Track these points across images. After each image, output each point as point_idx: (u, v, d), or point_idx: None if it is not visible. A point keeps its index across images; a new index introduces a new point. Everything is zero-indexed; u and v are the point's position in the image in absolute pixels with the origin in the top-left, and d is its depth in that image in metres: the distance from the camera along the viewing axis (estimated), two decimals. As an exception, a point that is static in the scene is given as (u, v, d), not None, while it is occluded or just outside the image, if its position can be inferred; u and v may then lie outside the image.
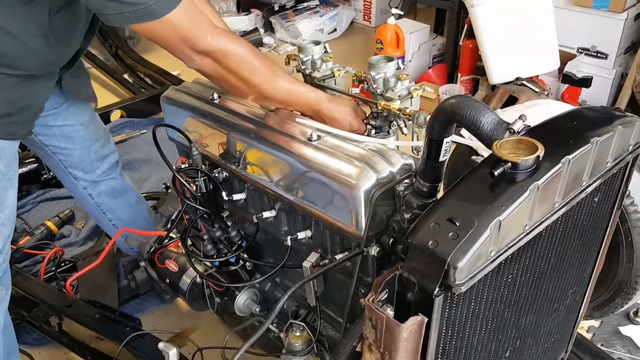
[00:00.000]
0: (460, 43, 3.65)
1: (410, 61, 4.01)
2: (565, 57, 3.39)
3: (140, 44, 4.65)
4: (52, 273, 2.34)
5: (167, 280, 1.94)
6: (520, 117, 1.02)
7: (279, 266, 1.51)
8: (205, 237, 1.62)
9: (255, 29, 4.91)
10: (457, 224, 0.82)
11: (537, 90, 3.05)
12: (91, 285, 2.18)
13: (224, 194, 1.58)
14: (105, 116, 3.47)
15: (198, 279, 1.81)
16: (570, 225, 1.12)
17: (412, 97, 1.51)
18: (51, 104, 1.78)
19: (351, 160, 1.27)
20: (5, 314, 1.67)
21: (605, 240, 1.33)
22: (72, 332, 2.01)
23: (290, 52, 4.75)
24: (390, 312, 0.84)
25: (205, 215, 1.61)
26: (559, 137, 1.00)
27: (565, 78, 3.40)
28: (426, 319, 0.83)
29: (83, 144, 1.95)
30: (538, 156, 0.89)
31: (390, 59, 1.60)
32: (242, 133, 1.51)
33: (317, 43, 1.79)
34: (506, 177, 0.88)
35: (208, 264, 1.73)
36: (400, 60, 1.63)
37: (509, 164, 0.88)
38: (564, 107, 1.98)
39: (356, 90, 1.70)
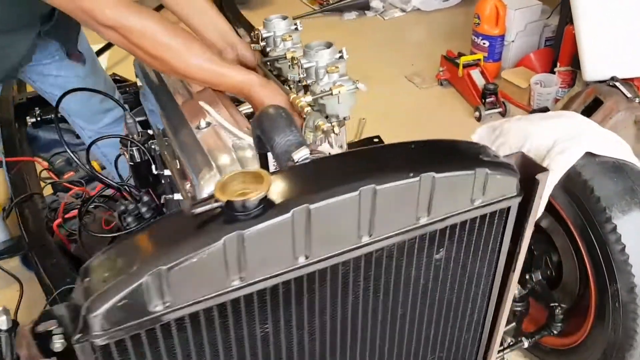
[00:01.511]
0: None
1: (512, 41, 3.55)
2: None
3: None
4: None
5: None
6: (309, 145, 0.84)
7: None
8: (116, 210, 1.61)
9: (364, -9, 4.69)
10: (119, 265, 0.69)
11: (629, 95, 2.53)
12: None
13: (153, 167, 1.55)
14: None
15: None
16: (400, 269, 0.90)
17: (331, 94, 1.32)
18: (43, 55, 1.87)
19: (212, 159, 1.15)
20: None
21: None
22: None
23: (398, 17, 4.56)
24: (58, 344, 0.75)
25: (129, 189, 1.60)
26: (354, 172, 0.80)
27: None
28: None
29: (80, 96, 2.04)
30: (265, 197, 0.72)
31: (329, 45, 1.41)
32: (163, 110, 1.45)
33: (284, 18, 1.63)
34: (217, 217, 0.72)
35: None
36: (343, 51, 1.42)
37: (221, 202, 0.72)
38: (587, 126, 1.60)
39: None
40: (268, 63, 1.62)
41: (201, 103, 1.33)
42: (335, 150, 1.44)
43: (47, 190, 2.53)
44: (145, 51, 1.33)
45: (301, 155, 0.82)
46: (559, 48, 3.26)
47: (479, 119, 3.24)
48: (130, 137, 1.57)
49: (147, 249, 0.70)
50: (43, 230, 2.10)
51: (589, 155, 1.50)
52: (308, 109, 1.25)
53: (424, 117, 3.36)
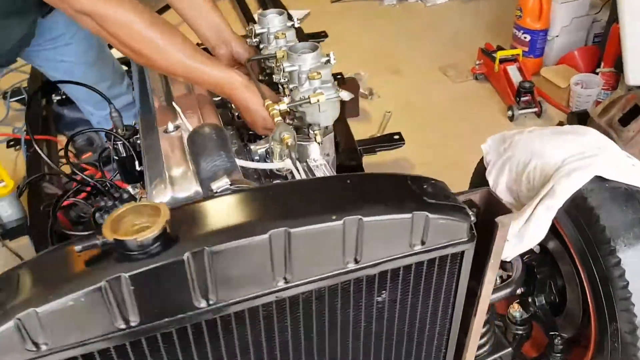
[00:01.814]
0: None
1: (556, 37, 3.32)
2: None
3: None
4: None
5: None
6: (230, 174, 0.76)
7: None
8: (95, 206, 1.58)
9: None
10: (-1, 297, 0.65)
11: (672, 104, 2.31)
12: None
13: (136, 163, 1.51)
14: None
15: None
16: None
17: (309, 103, 1.23)
18: (45, 39, 1.86)
19: (167, 169, 1.09)
20: None
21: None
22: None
23: (440, 4, 4.36)
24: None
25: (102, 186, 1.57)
26: (270, 211, 0.73)
27: None
28: None
29: (86, 82, 2.02)
30: (161, 235, 0.65)
31: (314, 48, 1.32)
32: (140, 106, 1.40)
33: (280, 13, 1.55)
34: (103, 257, 0.66)
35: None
36: (330, 56, 1.32)
37: (108, 239, 0.66)
38: (603, 146, 1.45)
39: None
40: (262, 61, 1.54)
41: (174, 104, 1.27)
42: (317, 162, 1.36)
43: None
44: (121, 41, 1.28)
45: (220, 185, 0.75)
46: (604, 47, 3.03)
47: (511, 118, 3.07)
48: (115, 131, 1.53)
49: (24, 287, 0.65)
50: (43, 214, 2.11)
51: (599, 179, 1.35)
52: (278, 118, 1.17)
53: (453, 113, 3.20)
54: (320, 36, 3.74)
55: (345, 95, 1.26)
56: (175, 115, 1.28)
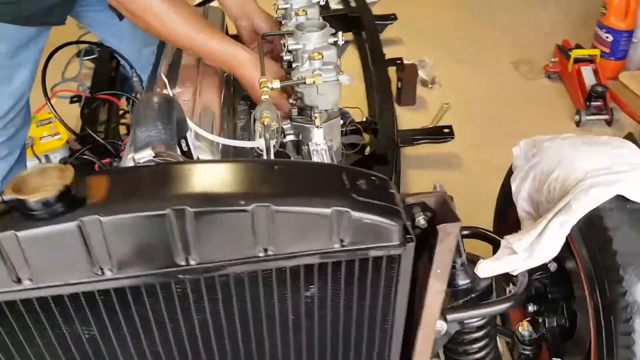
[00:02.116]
0: None
1: (643, 39, 3.04)
2: None
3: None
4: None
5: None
6: (157, 146, 0.74)
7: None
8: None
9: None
10: None
11: None
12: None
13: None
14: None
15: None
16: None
17: (305, 84, 1.19)
18: (92, 1, 1.92)
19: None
20: None
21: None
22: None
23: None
24: None
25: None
26: (178, 189, 0.71)
27: None
28: None
29: (132, 45, 2.07)
30: (60, 196, 0.65)
31: (322, 27, 1.27)
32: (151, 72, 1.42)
33: (305, -11, 1.51)
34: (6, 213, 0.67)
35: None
36: (339, 36, 1.27)
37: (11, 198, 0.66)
38: (636, 161, 1.31)
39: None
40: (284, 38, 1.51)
41: (162, 75, 1.27)
42: (319, 147, 1.32)
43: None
44: (126, 8, 1.29)
45: (142, 156, 0.74)
46: (696, 53, 2.74)
47: (578, 124, 2.85)
48: (134, 95, 1.56)
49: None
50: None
51: (621, 199, 1.23)
52: (266, 97, 1.14)
53: (516, 111, 3.02)
54: (389, 18, 3.64)
55: (345, 80, 1.20)
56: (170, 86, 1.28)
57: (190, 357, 0.86)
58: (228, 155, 1.17)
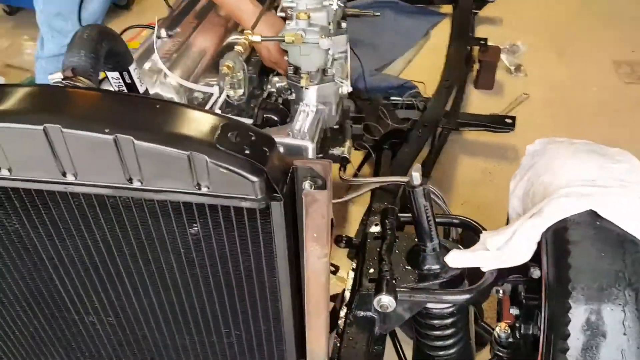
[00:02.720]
0: None
1: None
2: None
3: None
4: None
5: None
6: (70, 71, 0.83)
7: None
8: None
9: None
10: None
11: None
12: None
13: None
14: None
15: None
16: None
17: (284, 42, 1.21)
18: None
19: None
20: None
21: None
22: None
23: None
24: None
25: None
26: (56, 108, 0.79)
27: None
28: None
29: None
30: None
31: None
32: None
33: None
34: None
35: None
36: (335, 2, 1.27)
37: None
38: (626, 178, 1.20)
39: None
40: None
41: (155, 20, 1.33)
42: (308, 108, 1.36)
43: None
44: None
45: (53, 77, 0.83)
46: None
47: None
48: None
49: None
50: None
51: (593, 214, 1.15)
52: (239, 47, 1.19)
53: (604, 117, 2.76)
54: (489, -5, 3.45)
55: (325, 44, 1.21)
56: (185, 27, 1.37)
57: (99, 267, 0.97)
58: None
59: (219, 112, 1.15)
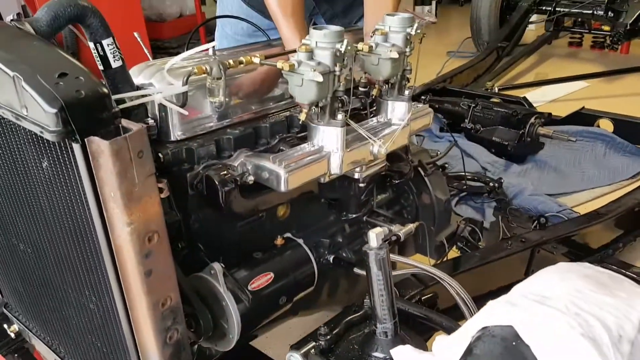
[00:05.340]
0: None
1: None
2: None
3: None
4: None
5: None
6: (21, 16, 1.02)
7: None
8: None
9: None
10: None
11: None
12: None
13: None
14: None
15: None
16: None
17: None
18: None
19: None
20: None
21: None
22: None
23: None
24: None
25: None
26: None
27: None
28: None
29: None
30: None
31: (336, 30, 1.27)
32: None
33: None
34: None
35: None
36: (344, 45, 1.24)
37: None
38: (579, 305, 0.86)
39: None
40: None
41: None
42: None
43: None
44: None
45: (10, 18, 1.02)
46: None
47: None
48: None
49: None
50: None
51: (513, 332, 0.88)
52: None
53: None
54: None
55: (313, 76, 1.19)
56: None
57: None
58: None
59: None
